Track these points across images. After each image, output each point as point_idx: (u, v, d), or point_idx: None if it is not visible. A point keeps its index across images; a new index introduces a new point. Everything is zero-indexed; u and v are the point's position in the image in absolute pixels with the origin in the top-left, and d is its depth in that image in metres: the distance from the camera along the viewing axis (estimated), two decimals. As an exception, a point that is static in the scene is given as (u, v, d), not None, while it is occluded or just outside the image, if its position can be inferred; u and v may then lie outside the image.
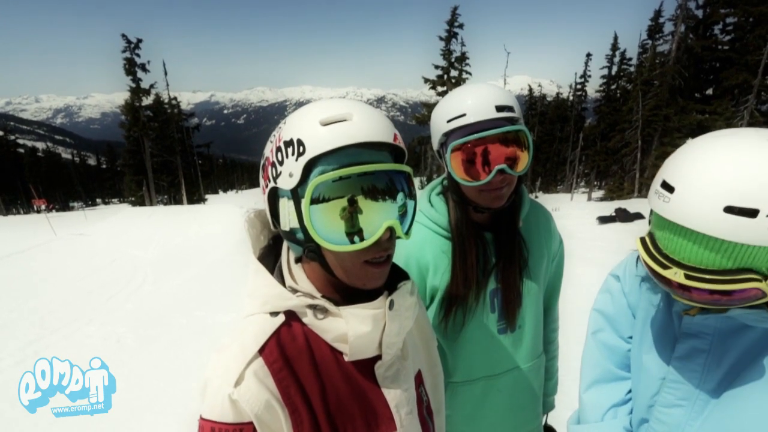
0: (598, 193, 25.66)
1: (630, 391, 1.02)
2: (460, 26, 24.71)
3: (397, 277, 0.75)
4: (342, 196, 0.59)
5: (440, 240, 1.12)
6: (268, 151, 0.66)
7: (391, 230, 0.63)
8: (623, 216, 11.15)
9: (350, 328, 0.65)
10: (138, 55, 23.45)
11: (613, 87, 30.48)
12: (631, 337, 1.02)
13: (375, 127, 0.62)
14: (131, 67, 23.34)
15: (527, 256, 1.15)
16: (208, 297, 5.79)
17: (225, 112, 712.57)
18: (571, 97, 35.36)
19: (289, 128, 0.63)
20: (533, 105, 37.21)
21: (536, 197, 27.07)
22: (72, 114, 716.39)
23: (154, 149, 24.54)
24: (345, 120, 0.60)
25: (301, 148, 0.60)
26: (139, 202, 24.15)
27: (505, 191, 1.02)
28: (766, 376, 0.75)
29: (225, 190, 66.67)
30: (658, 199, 0.69)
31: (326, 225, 0.60)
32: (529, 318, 1.18)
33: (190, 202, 25.33)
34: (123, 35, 22.96)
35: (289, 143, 0.61)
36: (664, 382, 0.87)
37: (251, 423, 0.60)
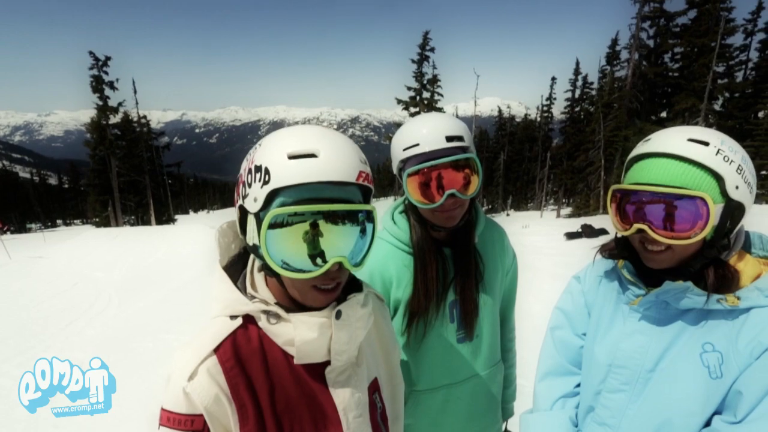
0: (567, 210, 26.64)
1: (578, 385, 1.13)
2: (432, 50, 25.64)
3: (355, 288, 0.80)
4: (296, 226, 0.63)
5: (402, 255, 1.19)
6: (243, 168, 0.70)
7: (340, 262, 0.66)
8: (589, 232, 11.60)
9: (297, 334, 0.69)
10: (106, 73, 22.95)
11: (577, 109, 32.15)
12: (584, 334, 1.13)
13: (340, 167, 0.64)
14: (98, 85, 22.78)
15: (483, 270, 1.24)
16: (177, 319, 5.60)
17: (197, 131, 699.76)
18: (538, 119, 36.98)
19: (261, 153, 0.66)
20: (503, 126, 38.59)
21: (507, 215, 27.79)
22: (32, 132, 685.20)
23: (121, 168, 23.77)
24: (312, 155, 0.63)
25: (267, 177, 0.63)
26: (104, 223, 23.18)
27: (458, 212, 1.11)
28: (691, 357, 0.87)
29: (196, 211, 64.96)
30: (640, 146, 0.93)
31: (280, 251, 0.64)
32: (486, 327, 1.26)
33: (159, 222, 24.52)
34: (90, 52, 22.48)
35: (258, 168, 0.65)
36: (610, 368, 0.98)
37: (202, 415, 0.65)
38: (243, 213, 0.70)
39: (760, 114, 19.96)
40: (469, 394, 1.26)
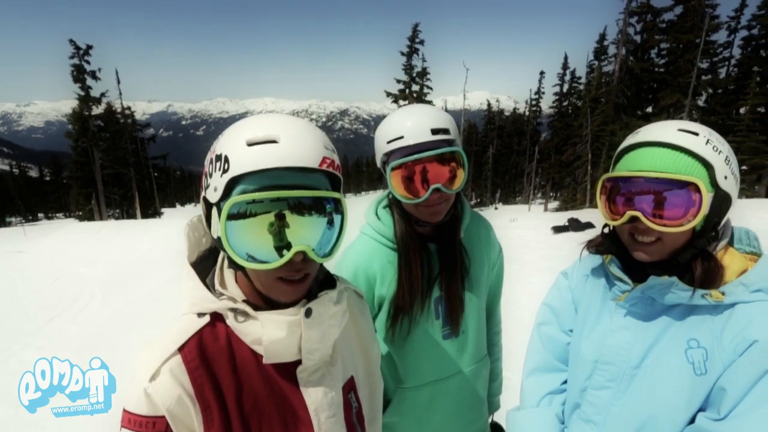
0: (554, 204, 26.92)
1: (565, 382, 1.12)
2: (421, 42, 25.48)
3: (329, 286, 0.77)
4: (258, 216, 0.60)
5: (386, 251, 1.17)
6: (206, 159, 0.68)
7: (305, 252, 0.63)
8: (576, 225, 11.76)
9: (265, 333, 0.67)
10: (88, 62, 22.31)
11: (565, 103, 32.34)
12: (571, 330, 1.12)
13: (301, 152, 0.62)
14: (80, 74, 22.14)
15: (468, 265, 1.22)
16: (162, 314, 5.51)
17: (183, 122, 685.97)
18: (527, 113, 37.15)
19: (221, 142, 0.65)
20: (492, 119, 38.68)
21: (496, 209, 28.01)
22: (11, 122, 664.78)
23: (105, 161, 23.23)
24: (272, 141, 0.61)
25: (226, 165, 0.62)
26: (88, 216, 22.69)
27: (443, 207, 1.09)
28: (676, 354, 0.86)
29: (183, 204, 63.95)
30: (630, 138, 0.93)
31: (241, 241, 0.62)
32: (472, 323, 1.25)
33: (145, 216, 24.08)
34: (71, 41, 21.79)
35: (218, 158, 0.63)
36: (596, 364, 0.97)
37: (164, 417, 0.63)
38: (207, 205, 0.68)
39: (742, 110, 20.37)
40: (455, 390, 1.25)
